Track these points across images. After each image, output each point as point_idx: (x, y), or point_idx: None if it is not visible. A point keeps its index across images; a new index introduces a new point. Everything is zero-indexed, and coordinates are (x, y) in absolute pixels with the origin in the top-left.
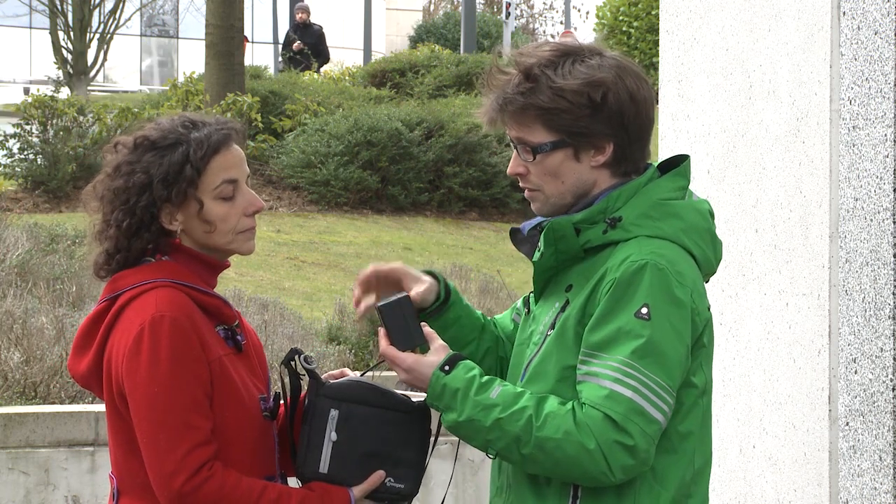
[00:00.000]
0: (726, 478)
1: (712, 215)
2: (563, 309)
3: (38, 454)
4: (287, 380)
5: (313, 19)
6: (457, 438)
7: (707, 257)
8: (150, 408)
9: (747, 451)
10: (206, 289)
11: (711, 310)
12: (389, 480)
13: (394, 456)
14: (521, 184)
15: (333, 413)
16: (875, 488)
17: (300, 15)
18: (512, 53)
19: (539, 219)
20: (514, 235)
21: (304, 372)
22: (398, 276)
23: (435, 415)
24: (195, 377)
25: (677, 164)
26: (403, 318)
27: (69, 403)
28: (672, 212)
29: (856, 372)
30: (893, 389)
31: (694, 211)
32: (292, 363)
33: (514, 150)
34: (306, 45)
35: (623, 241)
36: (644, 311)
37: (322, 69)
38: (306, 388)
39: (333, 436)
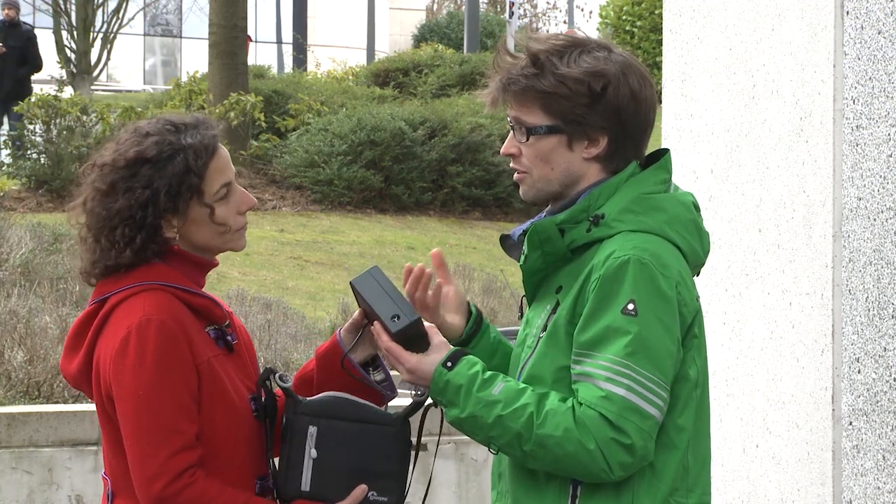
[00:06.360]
0: (729, 477)
1: (697, 207)
2: (553, 311)
3: (42, 453)
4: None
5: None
6: (460, 438)
7: (693, 249)
8: (134, 411)
9: (750, 450)
10: (196, 289)
11: (712, 308)
12: (373, 494)
13: (375, 469)
14: (511, 165)
15: (312, 430)
16: (878, 487)
17: (6, 12)
18: (523, 37)
19: (527, 224)
20: (504, 241)
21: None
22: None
23: (417, 425)
24: (181, 381)
25: (658, 158)
26: (380, 287)
27: (72, 403)
28: (655, 205)
29: (859, 371)
30: None
31: (677, 203)
32: (268, 383)
33: (511, 131)
34: (9, 48)
35: (608, 238)
36: (630, 307)
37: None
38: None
39: (313, 453)
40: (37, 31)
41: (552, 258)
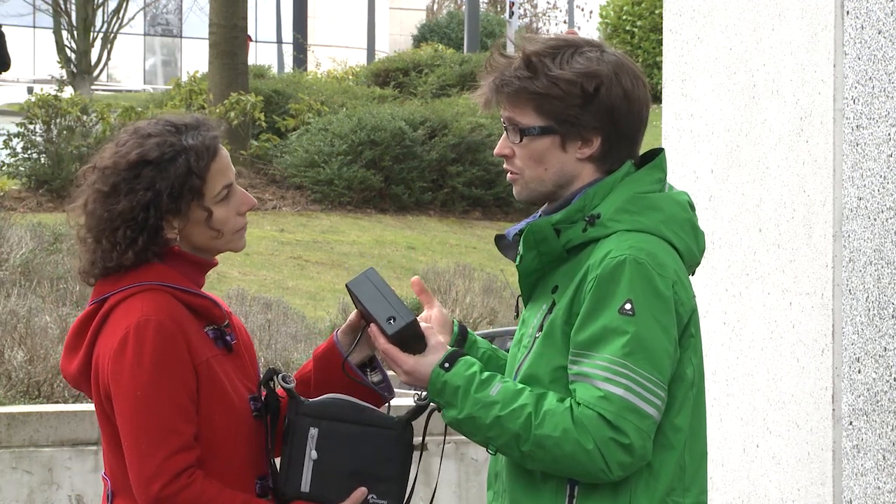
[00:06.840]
0: (730, 477)
1: (692, 206)
2: (549, 310)
3: (42, 453)
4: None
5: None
6: (460, 438)
7: (689, 248)
8: (132, 411)
9: (751, 450)
10: (195, 290)
11: (712, 308)
12: (372, 497)
13: (375, 472)
14: (505, 166)
15: (313, 431)
16: (879, 487)
17: None
18: (520, 38)
19: (522, 224)
20: (500, 241)
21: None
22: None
23: (419, 429)
24: (179, 381)
25: (652, 158)
26: (375, 289)
27: (73, 403)
28: (650, 204)
29: (859, 371)
30: None
31: (673, 202)
32: (271, 383)
33: (505, 132)
34: None
35: (604, 238)
36: (628, 306)
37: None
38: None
39: (314, 454)
40: (36, 32)
41: (548, 258)
